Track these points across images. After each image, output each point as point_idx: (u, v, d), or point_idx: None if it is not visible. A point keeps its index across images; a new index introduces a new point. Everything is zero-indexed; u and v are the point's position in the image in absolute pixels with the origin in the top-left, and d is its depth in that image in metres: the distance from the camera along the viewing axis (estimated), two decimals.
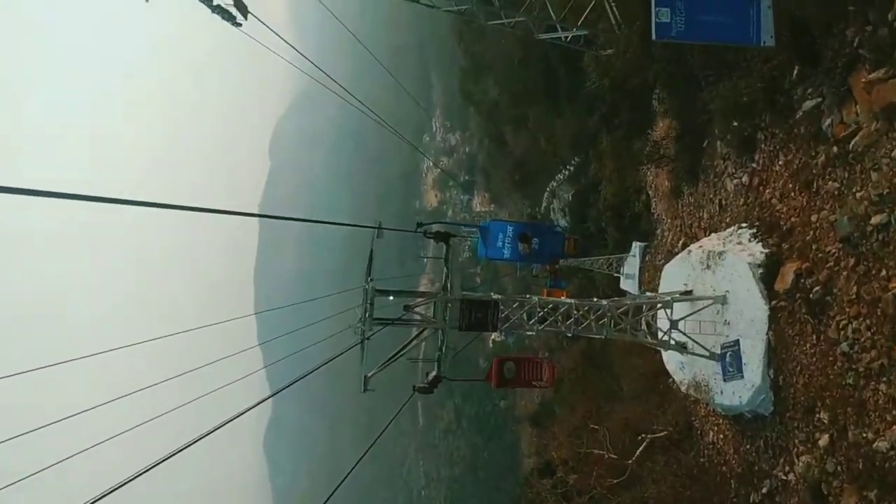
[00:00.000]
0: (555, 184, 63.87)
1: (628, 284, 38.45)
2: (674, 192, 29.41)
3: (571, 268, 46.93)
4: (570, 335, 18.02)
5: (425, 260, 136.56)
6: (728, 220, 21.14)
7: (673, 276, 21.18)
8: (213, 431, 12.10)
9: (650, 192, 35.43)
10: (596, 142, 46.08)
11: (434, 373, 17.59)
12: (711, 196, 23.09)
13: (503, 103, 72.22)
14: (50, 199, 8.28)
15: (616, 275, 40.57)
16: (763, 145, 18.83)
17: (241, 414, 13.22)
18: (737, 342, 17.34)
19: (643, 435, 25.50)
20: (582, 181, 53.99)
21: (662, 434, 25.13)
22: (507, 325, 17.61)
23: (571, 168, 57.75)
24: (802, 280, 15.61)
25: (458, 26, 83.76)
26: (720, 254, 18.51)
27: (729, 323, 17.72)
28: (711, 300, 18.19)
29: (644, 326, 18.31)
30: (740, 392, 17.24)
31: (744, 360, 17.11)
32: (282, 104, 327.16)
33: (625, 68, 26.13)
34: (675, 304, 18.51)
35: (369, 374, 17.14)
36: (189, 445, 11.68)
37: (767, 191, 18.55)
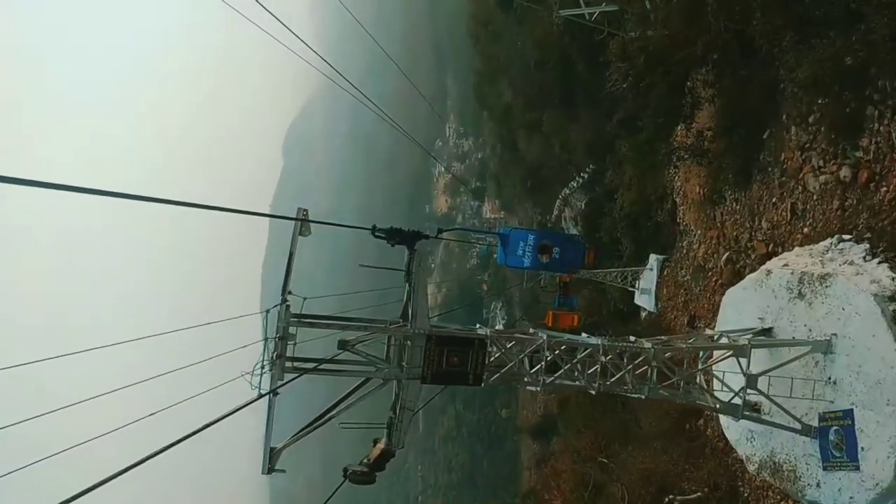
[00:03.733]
0: (567, 191, 59.45)
1: (643, 300, 34.74)
2: (709, 199, 23.66)
3: (582, 279, 42.51)
4: (593, 392, 12.08)
5: (433, 265, 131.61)
6: (807, 230, 14.89)
7: (741, 306, 14.75)
8: (211, 424, 10.14)
9: (677, 200, 29.98)
10: (613, 147, 41.70)
11: (381, 445, 11.71)
12: (775, 200, 16.85)
13: (517, 107, 67.33)
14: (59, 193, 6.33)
15: (630, 289, 36.46)
16: (877, 124, 12.60)
17: (236, 411, 10.47)
18: (849, 414, 11.05)
19: (671, 497, 19.36)
20: (596, 189, 49.74)
21: (695, 497, 19.00)
22: (498, 376, 11.75)
23: (586, 175, 53.30)
24: None
25: (476, 28, 78.92)
26: (822, 278, 12.11)
27: (836, 383, 11.47)
28: (808, 347, 11.84)
29: (700, 380, 12.17)
30: (852, 489, 10.83)
31: (860, 444, 10.77)
32: (297, 104, 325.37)
33: (665, 43, 19.93)
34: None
35: (278, 447, 11.29)
36: (189, 437, 9.80)
37: (886, 188, 12.32)
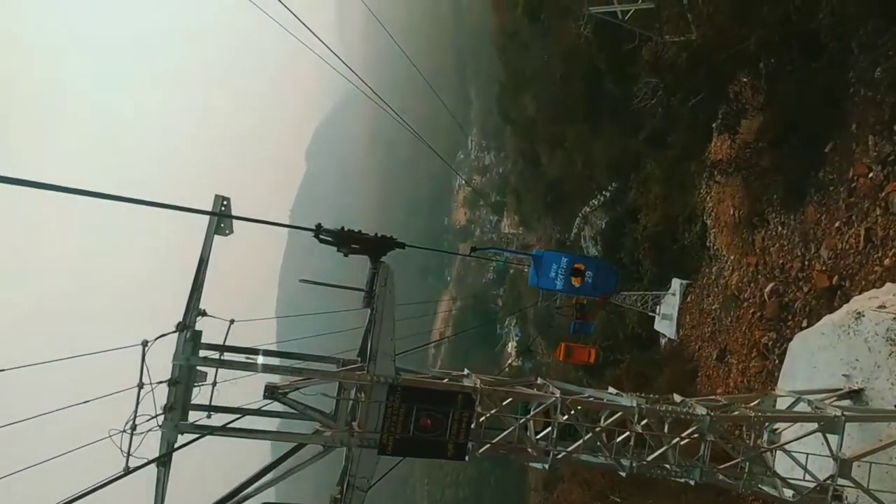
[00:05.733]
0: (588, 209, 57.80)
1: (664, 326, 33.63)
2: (747, 222, 21.44)
3: (598, 301, 40.84)
4: (623, 474, 9.68)
5: (448, 278, 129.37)
6: (889, 262, 12.51)
7: (817, 357, 11.63)
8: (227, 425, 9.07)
9: (707, 222, 27.96)
10: (638, 165, 39.87)
11: None
12: (840, 224, 14.54)
13: (540, 121, 65.37)
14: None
15: (650, 314, 35.43)
16: None
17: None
18: None
19: None
20: (618, 208, 48.17)
21: None
22: (489, 447, 9.40)
23: (608, 193, 51.61)
24: None
25: (501, 40, 77.33)
26: None
27: None
28: None
29: (769, 459, 9.61)
30: None
31: None
32: (322, 111, 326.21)
33: (711, 41, 17.67)
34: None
35: None
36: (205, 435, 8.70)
37: None
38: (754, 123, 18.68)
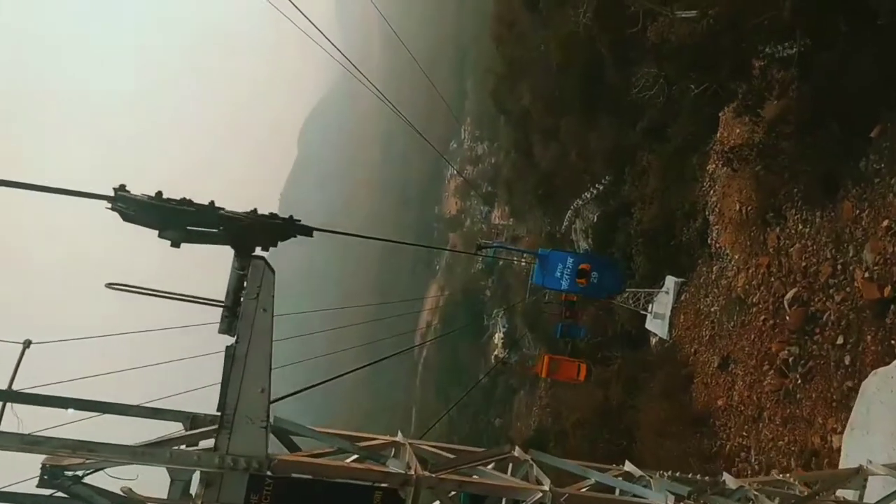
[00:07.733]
0: (580, 202, 55.82)
1: (656, 325, 31.62)
2: (757, 219, 19.15)
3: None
4: None
5: (437, 267, 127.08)
6: None
7: None
8: None
9: (710, 218, 25.82)
10: (634, 158, 38.19)
11: None
12: (891, 224, 12.09)
13: (535, 112, 63.13)
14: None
15: (642, 312, 33.07)
16: None
17: None
18: None
19: None
20: (611, 202, 45.95)
21: None
22: None
23: (601, 186, 49.78)
24: None
25: (499, 30, 75.35)
26: None
27: None
28: None
29: None
30: None
31: None
32: (316, 95, 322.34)
33: (734, 7, 15.15)
34: None
35: None
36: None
37: None
38: (782, 104, 16.11)
